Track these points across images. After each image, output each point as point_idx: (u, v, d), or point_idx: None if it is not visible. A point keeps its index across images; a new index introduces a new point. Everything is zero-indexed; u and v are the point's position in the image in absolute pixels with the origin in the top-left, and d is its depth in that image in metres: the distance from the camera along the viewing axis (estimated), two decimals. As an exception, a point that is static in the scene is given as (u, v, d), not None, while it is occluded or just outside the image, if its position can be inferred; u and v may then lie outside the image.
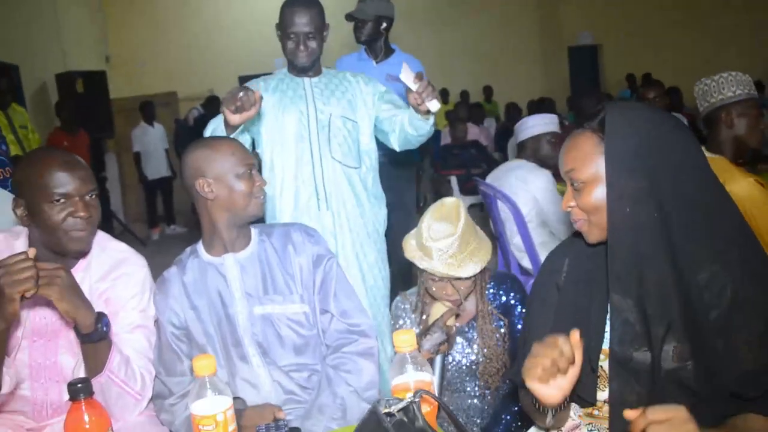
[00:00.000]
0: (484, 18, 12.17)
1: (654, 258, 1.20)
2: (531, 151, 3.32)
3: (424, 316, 2.01)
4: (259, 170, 2.50)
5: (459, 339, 1.98)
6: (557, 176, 3.27)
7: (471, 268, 1.90)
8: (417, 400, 0.99)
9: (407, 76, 2.22)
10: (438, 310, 1.91)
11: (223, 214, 1.79)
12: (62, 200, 1.59)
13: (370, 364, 1.81)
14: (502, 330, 1.96)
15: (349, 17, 3.52)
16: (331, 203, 2.48)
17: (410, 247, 2.00)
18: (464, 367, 1.97)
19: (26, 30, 7.58)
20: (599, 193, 1.27)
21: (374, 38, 3.53)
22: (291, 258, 1.84)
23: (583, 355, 1.21)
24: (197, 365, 1.14)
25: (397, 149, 2.63)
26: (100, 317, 1.55)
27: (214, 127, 2.28)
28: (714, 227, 1.22)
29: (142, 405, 1.71)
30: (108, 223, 8.00)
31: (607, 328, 1.32)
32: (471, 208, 5.81)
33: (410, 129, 2.45)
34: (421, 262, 1.95)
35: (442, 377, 1.91)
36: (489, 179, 3.56)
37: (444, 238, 1.90)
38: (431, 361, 1.88)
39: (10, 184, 1.68)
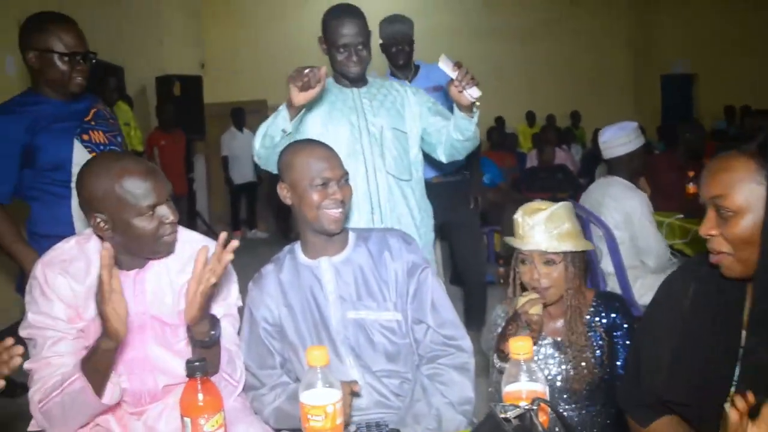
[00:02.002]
0: (574, 41, 11.99)
1: None
2: (625, 166, 3.22)
3: (510, 311, 1.97)
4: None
5: (556, 353, 1.94)
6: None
7: (555, 245, 1.87)
8: (535, 408, 0.97)
9: (446, 65, 2.17)
10: (523, 300, 1.87)
11: (303, 221, 1.81)
12: (150, 212, 1.59)
13: (465, 379, 1.79)
14: (602, 347, 1.91)
15: (393, 42, 3.43)
16: (386, 218, 2.45)
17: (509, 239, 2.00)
18: (558, 384, 1.92)
19: (131, 34, 7.96)
20: (750, 224, 1.18)
21: (410, 58, 3.50)
22: (387, 264, 1.83)
23: (705, 398, 1.13)
24: (311, 355, 1.15)
25: (444, 161, 2.60)
26: (214, 324, 1.57)
27: (278, 111, 2.27)
28: None
29: (238, 390, 1.75)
30: (192, 223, 8.27)
31: (737, 371, 1.23)
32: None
33: (455, 133, 2.40)
34: (510, 241, 1.96)
35: None
36: (582, 199, 3.48)
37: (534, 214, 1.90)
38: None
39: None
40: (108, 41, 6.63)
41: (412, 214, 2.53)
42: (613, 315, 1.93)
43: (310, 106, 2.35)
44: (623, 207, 3.14)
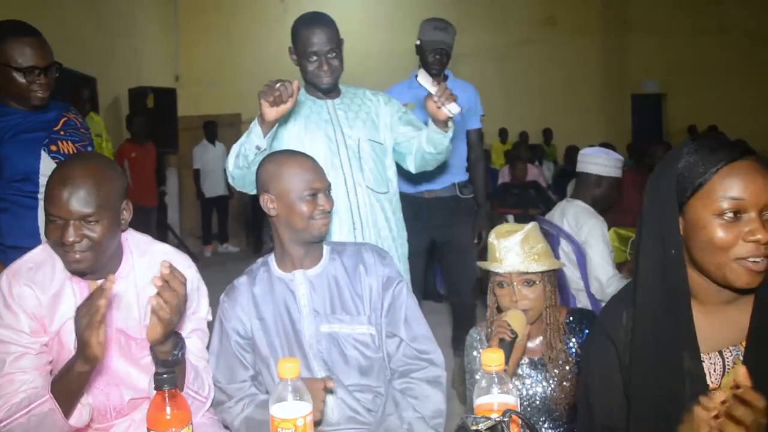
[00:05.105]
0: (548, 61, 12.16)
1: None
2: (590, 187, 3.22)
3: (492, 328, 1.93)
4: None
5: (533, 372, 1.93)
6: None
7: (534, 266, 1.87)
8: (506, 420, 0.97)
9: (425, 80, 2.18)
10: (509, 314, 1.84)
11: (287, 231, 1.80)
12: (56, 221, 1.52)
13: (437, 392, 1.79)
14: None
15: (434, 50, 3.40)
16: (366, 232, 2.42)
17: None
18: (537, 402, 1.92)
19: (105, 45, 7.90)
20: None
21: (445, 67, 3.48)
22: (361, 278, 1.83)
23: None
24: (282, 368, 1.14)
25: (414, 171, 2.57)
26: (177, 343, 1.52)
27: (250, 128, 2.21)
28: None
29: (207, 406, 1.73)
30: (163, 236, 8.19)
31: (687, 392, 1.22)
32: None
33: (428, 146, 2.38)
34: (486, 265, 1.94)
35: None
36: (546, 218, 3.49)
37: (508, 237, 1.90)
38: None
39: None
40: (81, 51, 6.57)
41: (390, 227, 2.50)
42: (587, 331, 1.93)
43: (284, 120, 2.31)
44: (580, 232, 3.15)
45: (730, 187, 1.19)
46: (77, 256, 1.55)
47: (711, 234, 1.20)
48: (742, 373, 1.00)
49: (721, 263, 1.20)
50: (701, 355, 1.26)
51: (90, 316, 1.36)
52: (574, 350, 1.92)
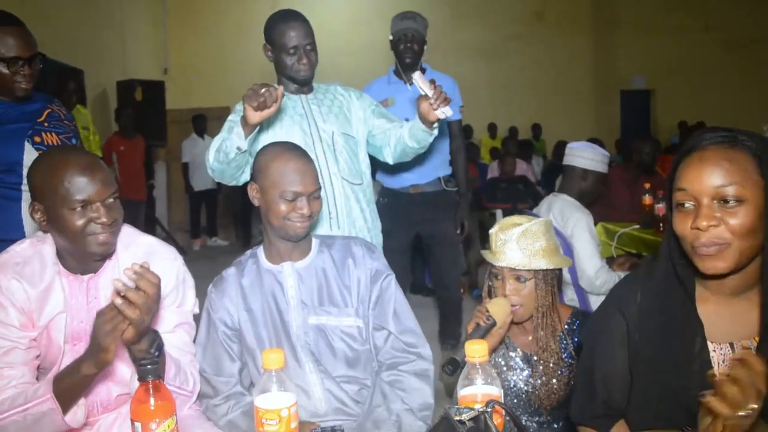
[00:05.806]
0: (538, 57, 12.19)
1: None
2: (576, 181, 3.23)
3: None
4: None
5: (524, 365, 1.94)
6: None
7: (525, 263, 1.83)
8: (489, 410, 0.97)
9: (423, 82, 2.19)
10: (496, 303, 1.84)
11: (268, 224, 1.81)
12: (78, 207, 1.52)
13: (425, 386, 1.80)
14: (572, 366, 1.89)
15: (403, 39, 3.37)
16: (342, 223, 2.44)
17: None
18: (524, 395, 1.92)
19: (93, 37, 7.85)
20: (754, 214, 1.20)
21: (419, 59, 3.43)
22: (350, 271, 1.84)
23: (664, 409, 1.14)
24: (266, 358, 1.14)
25: (391, 162, 2.60)
26: (154, 340, 1.49)
27: (230, 126, 2.21)
28: None
29: (192, 400, 1.71)
30: (151, 230, 8.15)
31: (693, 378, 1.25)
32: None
33: (411, 141, 2.41)
34: (484, 254, 1.93)
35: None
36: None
37: (507, 230, 1.88)
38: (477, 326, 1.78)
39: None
40: (68, 43, 6.53)
41: (365, 217, 2.53)
42: None
43: (264, 122, 2.31)
44: (566, 225, 3.16)
45: (679, 178, 1.26)
46: (105, 237, 1.56)
47: (674, 226, 1.27)
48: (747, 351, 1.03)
49: (689, 252, 1.26)
50: (712, 344, 1.30)
51: (114, 324, 1.36)
52: (569, 351, 1.91)
